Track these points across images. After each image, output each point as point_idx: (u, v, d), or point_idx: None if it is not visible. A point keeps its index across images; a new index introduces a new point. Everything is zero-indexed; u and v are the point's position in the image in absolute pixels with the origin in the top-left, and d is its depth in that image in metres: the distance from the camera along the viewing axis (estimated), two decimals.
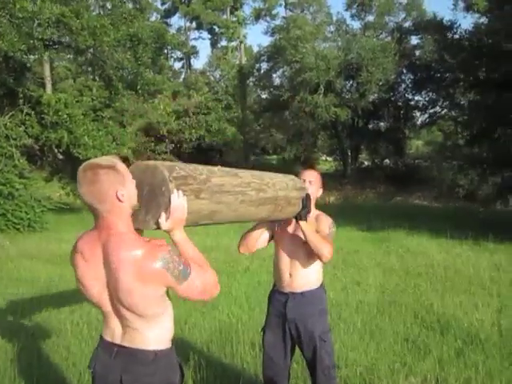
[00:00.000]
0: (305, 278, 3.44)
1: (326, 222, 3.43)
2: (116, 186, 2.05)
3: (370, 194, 26.99)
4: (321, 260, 3.30)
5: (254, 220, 2.91)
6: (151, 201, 2.16)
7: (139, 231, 2.23)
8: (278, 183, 2.96)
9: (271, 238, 3.57)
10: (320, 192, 3.57)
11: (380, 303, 6.71)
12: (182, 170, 2.23)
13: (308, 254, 3.35)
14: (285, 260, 3.47)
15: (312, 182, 3.48)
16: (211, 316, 6.13)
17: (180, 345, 5.06)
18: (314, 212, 3.40)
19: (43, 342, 5.29)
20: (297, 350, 3.60)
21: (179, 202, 2.13)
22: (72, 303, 6.19)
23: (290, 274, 3.45)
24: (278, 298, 3.53)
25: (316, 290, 3.49)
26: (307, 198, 3.22)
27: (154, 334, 2.16)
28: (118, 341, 2.18)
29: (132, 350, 2.15)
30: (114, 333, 2.19)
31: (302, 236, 3.29)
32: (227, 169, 2.62)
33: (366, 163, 34.75)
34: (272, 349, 3.52)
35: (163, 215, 2.13)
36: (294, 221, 3.39)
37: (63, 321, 5.92)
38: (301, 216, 3.21)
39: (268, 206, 2.81)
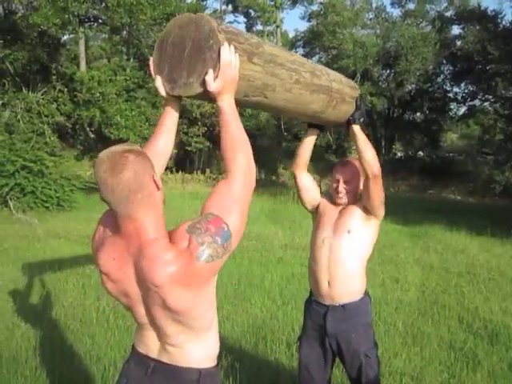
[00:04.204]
0: (346, 286, 2.98)
1: None
2: (150, 171, 1.67)
3: (403, 186, 26.38)
4: (368, 174, 2.82)
5: (305, 112, 2.48)
6: (196, 59, 1.75)
7: (178, 100, 1.89)
8: (332, 74, 2.61)
9: (317, 206, 3.14)
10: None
11: (421, 304, 6.36)
12: (230, 27, 1.84)
13: (351, 247, 2.95)
14: (324, 253, 3.00)
15: (349, 183, 3.02)
16: (243, 308, 5.86)
17: None
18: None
19: (67, 330, 5.07)
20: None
21: (230, 56, 1.71)
22: (98, 289, 5.92)
23: (329, 283, 2.98)
24: (317, 309, 3.07)
25: (360, 301, 3.01)
26: (361, 98, 2.84)
27: (199, 349, 1.80)
28: (154, 355, 1.80)
29: (172, 367, 1.77)
30: (150, 346, 1.82)
31: (347, 223, 2.96)
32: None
33: (400, 154, 34.16)
34: (310, 363, 3.10)
35: (211, 72, 1.70)
36: (338, 208, 3.04)
37: (88, 307, 5.68)
38: (354, 118, 2.81)
39: (322, 95, 2.44)
